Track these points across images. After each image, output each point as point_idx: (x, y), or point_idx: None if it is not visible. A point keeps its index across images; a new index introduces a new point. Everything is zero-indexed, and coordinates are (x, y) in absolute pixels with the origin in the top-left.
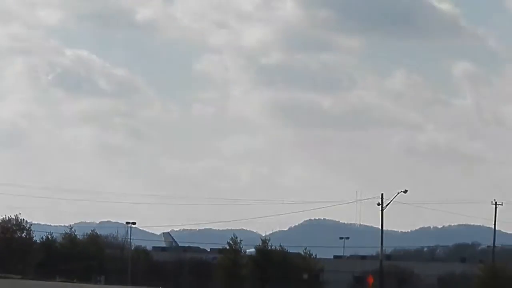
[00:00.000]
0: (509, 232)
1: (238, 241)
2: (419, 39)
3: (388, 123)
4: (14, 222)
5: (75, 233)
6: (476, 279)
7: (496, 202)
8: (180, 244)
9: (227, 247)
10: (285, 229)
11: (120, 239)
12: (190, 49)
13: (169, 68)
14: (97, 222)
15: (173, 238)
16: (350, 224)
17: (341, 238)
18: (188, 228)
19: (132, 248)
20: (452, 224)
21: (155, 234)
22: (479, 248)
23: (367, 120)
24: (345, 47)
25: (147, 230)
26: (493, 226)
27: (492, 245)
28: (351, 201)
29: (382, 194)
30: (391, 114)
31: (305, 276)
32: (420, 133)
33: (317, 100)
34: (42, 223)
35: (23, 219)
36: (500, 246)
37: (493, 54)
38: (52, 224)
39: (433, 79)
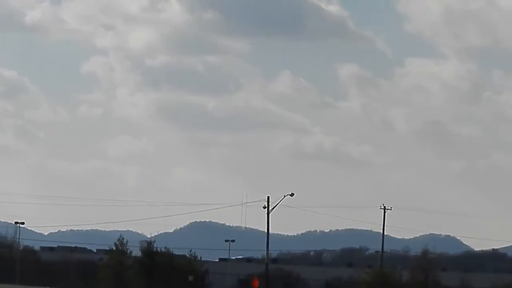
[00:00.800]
0: (397, 237)
1: (125, 242)
2: (306, 42)
3: (274, 126)
4: None
5: None
6: (363, 284)
7: (385, 207)
8: (67, 245)
9: (114, 248)
10: (170, 231)
11: (9, 238)
12: (78, 51)
13: (57, 69)
14: None
15: None
16: (236, 226)
17: (226, 240)
18: (75, 229)
19: (21, 248)
20: (340, 228)
21: (43, 234)
22: (367, 253)
23: (253, 122)
24: (231, 50)
25: (35, 230)
26: (381, 231)
27: (380, 250)
28: (237, 203)
29: (268, 197)
30: (277, 116)
31: (190, 278)
32: (306, 136)
33: (203, 102)
34: None
35: None
36: (388, 251)
37: (380, 56)
38: None
39: (320, 82)
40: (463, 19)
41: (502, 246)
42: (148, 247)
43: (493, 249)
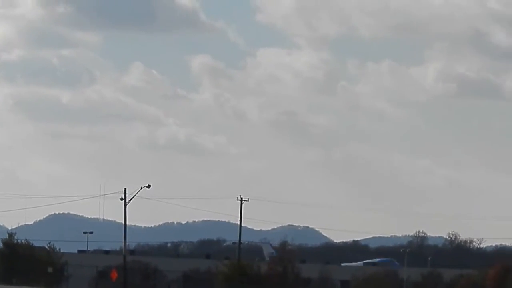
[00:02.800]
0: (255, 228)
1: None
2: (157, 33)
3: (128, 118)
4: None
5: None
6: (221, 275)
7: (241, 198)
8: None
9: None
10: (30, 223)
11: None
12: None
13: None
14: None
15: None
16: (94, 218)
17: (84, 232)
18: None
19: None
20: (197, 220)
21: None
22: (225, 244)
23: (107, 115)
24: (84, 43)
25: None
26: (238, 222)
27: (237, 241)
28: (94, 195)
29: (125, 189)
30: (131, 109)
31: (50, 270)
32: (160, 127)
33: (58, 95)
34: None
35: None
36: (246, 242)
37: (232, 47)
38: None
39: (172, 74)
40: (316, 8)
41: (363, 238)
42: (9, 239)
43: (353, 240)
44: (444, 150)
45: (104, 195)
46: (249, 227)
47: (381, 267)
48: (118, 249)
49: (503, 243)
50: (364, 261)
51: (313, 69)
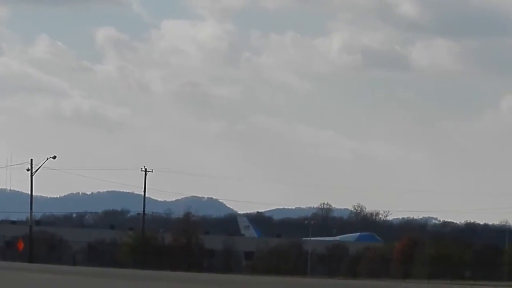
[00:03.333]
0: (160, 199)
1: None
2: (63, 6)
3: (34, 90)
4: None
5: None
6: (126, 246)
7: (145, 169)
8: None
9: None
10: None
11: None
12: None
13: None
14: None
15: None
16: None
17: None
18: None
19: None
20: (101, 191)
21: None
22: (129, 215)
23: (14, 87)
24: None
25: None
26: (142, 193)
27: (141, 212)
28: (1, 166)
29: (31, 160)
30: (36, 81)
31: None
32: (66, 99)
33: None
34: None
35: None
36: (150, 213)
37: (136, 19)
38: None
39: (77, 45)
40: None
41: (267, 210)
42: None
43: (257, 212)
44: (350, 122)
45: (10, 166)
46: (153, 198)
47: (286, 239)
48: (24, 219)
49: (410, 216)
50: (343, 235)
51: (217, 40)
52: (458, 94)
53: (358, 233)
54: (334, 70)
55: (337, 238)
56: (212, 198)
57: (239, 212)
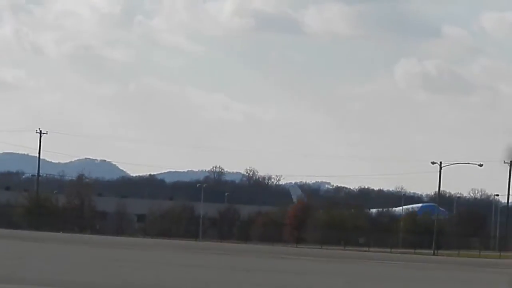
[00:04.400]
0: (54, 161)
1: None
2: None
3: None
4: None
5: None
6: (20, 208)
7: (40, 131)
8: None
9: None
10: None
11: None
12: None
13: None
14: None
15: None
16: None
17: None
18: None
19: None
20: None
21: None
22: (24, 176)
23: None
24: None
25: None
26: (37, 155)
27: (36, 174)
28: None
29: None
30: None
31: None
32: None
33: None
34: None
35: None
36: (45, 175)
37: None
38: None
39: None
40: None
41: (159, 172)
42: None
43: (150, 174)
44: (242, 85)
45: None
46: (48, 160)
47: (178, 202)
48: None
49: (302, 180)
50: (407, 206)
51: (110, 3)
52: (351, 59)
53: (420, 204)
54: (226, 33)
55: (399, 208)
56: (105, 160)
57: (131, 174)
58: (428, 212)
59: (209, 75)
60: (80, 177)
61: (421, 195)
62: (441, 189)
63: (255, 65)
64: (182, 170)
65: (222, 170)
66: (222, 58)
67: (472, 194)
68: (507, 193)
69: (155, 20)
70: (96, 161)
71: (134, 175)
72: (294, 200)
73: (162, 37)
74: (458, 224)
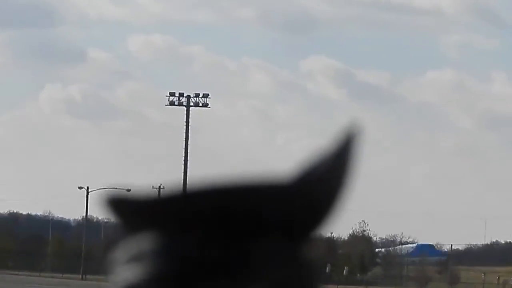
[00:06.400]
0: None
1: None
2: None
3: None
4: None
5: None
6: None
7: None
8: None
9: None
10: None
11: None
12: None
13: None
14: None
15: None
16: None
17: None
18: None
19: None
20: None
21: None
22: None
23: None
24: None
25: None
26: None
27: None
28: None
29: None
30: None
31: None
32: None
33: None
34: None
35: None
36: None
37: None
38: None
39: None
40: None
41: None
42: None
43: None
44: None
45: None
46: None
47: None
48: None
49: None
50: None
51: None
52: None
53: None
54: None
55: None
56: None
57: None
58: (76, 237)
59: None
60: None
61: (69, 219)
62: (88, 213)
63: None
64: None
65: None
66: None
67: None
68: None
69: None
70: None
71: None
72: None
73: None
74: (107, 248)
